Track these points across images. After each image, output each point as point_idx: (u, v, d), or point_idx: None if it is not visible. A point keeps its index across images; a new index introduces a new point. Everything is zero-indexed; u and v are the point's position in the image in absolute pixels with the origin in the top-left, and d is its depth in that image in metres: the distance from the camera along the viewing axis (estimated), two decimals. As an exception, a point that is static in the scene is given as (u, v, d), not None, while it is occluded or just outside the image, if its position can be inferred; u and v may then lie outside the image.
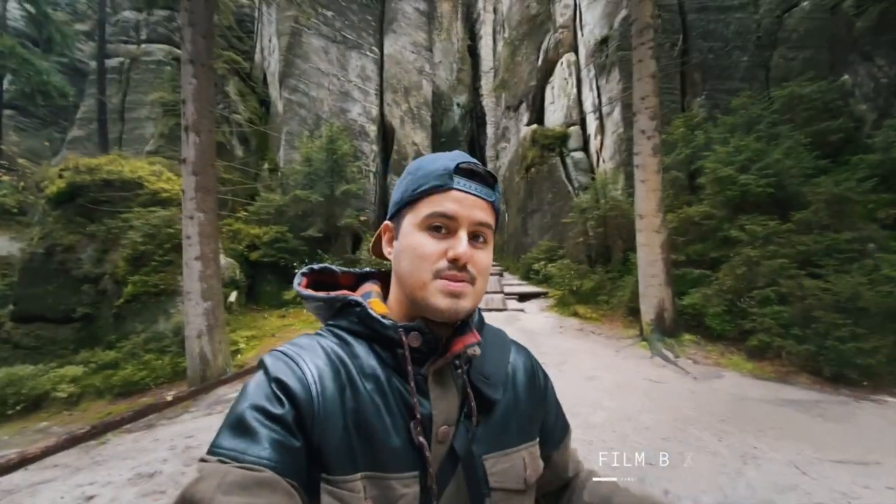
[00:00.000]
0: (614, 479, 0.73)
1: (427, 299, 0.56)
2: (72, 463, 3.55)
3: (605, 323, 7.32)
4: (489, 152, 17.47)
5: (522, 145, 12.78)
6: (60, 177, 8.37)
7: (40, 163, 15.31)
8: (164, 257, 7.69)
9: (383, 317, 0.59)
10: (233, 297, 9.08)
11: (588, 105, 10.89)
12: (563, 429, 0.75)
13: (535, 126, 12.46)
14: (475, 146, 18.99)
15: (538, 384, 0.71)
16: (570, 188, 10.73)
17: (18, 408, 6.08)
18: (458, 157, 0.60)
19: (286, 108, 12.97)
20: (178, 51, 13.00)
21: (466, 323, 0.61)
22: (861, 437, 3.23)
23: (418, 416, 0.54)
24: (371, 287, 0.68)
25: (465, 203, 0.57)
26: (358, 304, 0.61)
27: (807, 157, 7.06)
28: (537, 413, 0.70)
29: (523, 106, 13.31)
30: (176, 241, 7.63)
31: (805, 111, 7.96)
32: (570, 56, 11.72)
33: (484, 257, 0.59)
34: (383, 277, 0.70)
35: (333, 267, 0.71)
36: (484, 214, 0.59)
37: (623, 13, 9.75)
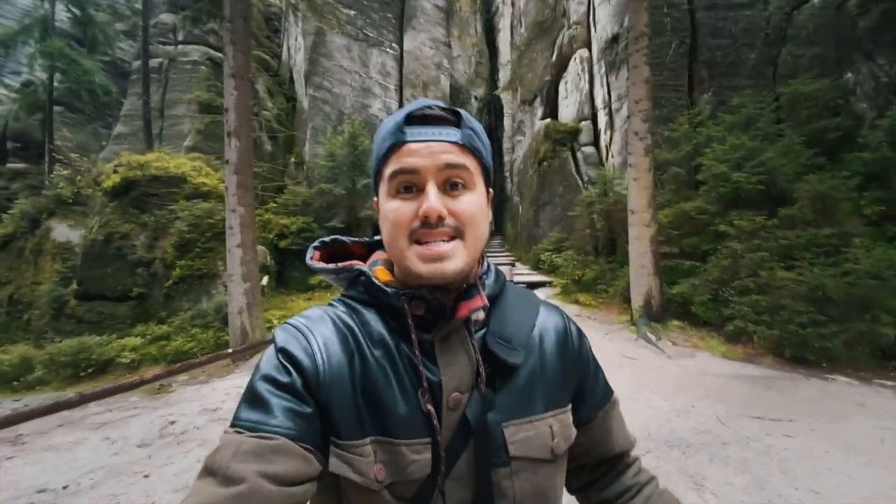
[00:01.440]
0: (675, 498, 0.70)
1: (409, 268, 0.55)
2: (148, 404, 4.58)
3: (602, 310, 8.00)
4: (506, 144, 18.04)
5: (536, 139, 13.36)
6: (115, 172, 9.56)
7: (88, 156, 16.86)
8: (206, 244, 8.79)
9: (387, 284, 0.59)
10: (265, 280, 10.14)
11: (599, 101, 11.38)
12: (605, 394, 0.71)
13: (548, 120, 13.00)
14: (493, 137, 19.57)
15: (571, 346, 0.68)
16: (580, 182, 11.30)
17: (90, 370, 7.29)
18: (411, 107, 0.56)
19: (311, 104, 13.92)
20: (213, 52, 14.18)
21: (474, 286, 0.59)
22: (790, 404, 3.89)
23: (425, 384, 0.54)
24: (379, 255, 0.67)
25: (423, 152, 0.54)
26: (363, 273, 0.61)
27: (802, 155, 7.49)
28: (570, 377, 0.66)
29: (538, 100, 13.84)
30: (216, 230, 8.73)
31: (806, 109, 8.32)
32: (584, 52, 12.17)
33: (466, 205, 0.55)
34: None
35: (344, 238, 0.71)
36: (451, 157, 0.54)
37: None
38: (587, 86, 11.89)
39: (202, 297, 8.58)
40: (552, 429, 0.60)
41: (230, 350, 5.75)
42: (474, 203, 0.56)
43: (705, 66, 9.86)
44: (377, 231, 0.64)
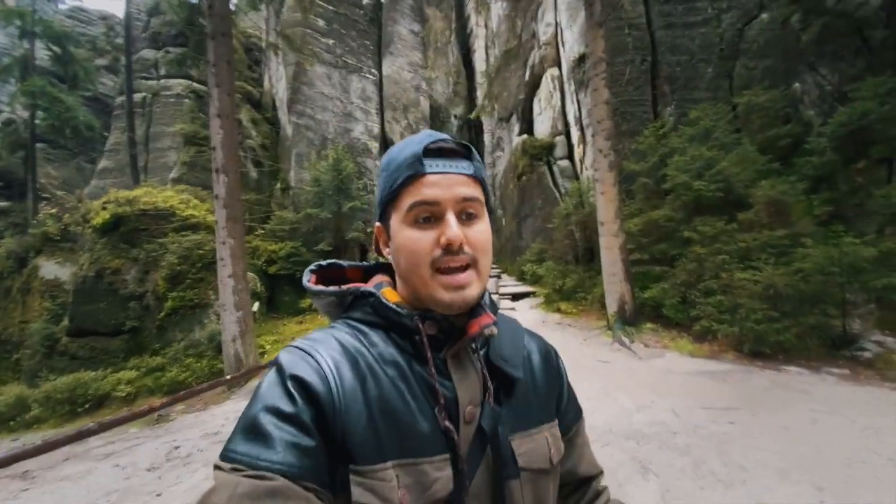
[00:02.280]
0: None
1: (432, 296, 0.57)
2: (150, 434, 4.88)
3: (581, 317, 8.45)
4: (487, 159, 18.66)
5: (514, 154, 13.96)
6: (104, 209, 9.87)
7: (73, 191, 17.08)
8: (196, 275, 9.11)
9: (398, 305, 0.60)
10: (255, 307, 10.43)
11: (571, 117, 12.02)
12: (576, 411, 0.76)
13: (525, 136, 13.63)
14: (474, 154, 20.26)
15: (552, 364, 0.73)
16: (558, 194, 11.87)
17: (87, 406, 7.51)
18: (425, 138, 0.59)
19: (294, 131, 14.40)
20: (196, 85, 14.62)
21: (479, 304, 0.61)
22: (741, 394, 4.34)
23: (442, 401, 0.56)
24: (382, 278, 0.69)
25: (443, 184, 0.57)
26: (371, 294, 0.62)
27: (758, 162, 8.10)
28: (553, 393, 0.71)
29: (514, 117, 14.50)
30: (206, 260, 9.06)
31: (759, 118, 9.00)
32: (554, 71, 12.86)
33: (479, 233, 0.59)
34: (391, 269, 0.68)
35: (341, 262, 0.73)
36: (467, 189, 0.58)
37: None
38: (559, 102, 12.56)
39: (195, 327, 8.86)
40: (548, 440, 0.64)
41: (228, 377, 6.06)
42: (485, 232, 0.60)
43: (667, 81, 10.55)
44: (364, 252, 0.81)
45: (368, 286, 0.65)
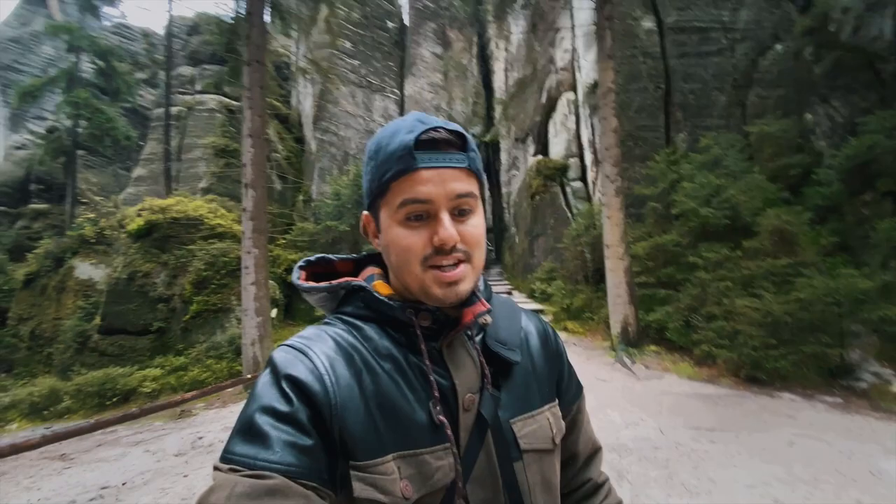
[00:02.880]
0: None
1: (424, 291, 0.57)
2: (174, 426, 5.34)
3: (588, 336, 8.68)
4: (503, 177, 19.10)
5: (529, 174, 14.35)
6: (139, 216, 10.62)
7: (109, 197, 18.16)
8: (220, 281, 9.70)
9: (389, 298, 0.60)
10: (273, 313, 10.97)
11: (585, 140, 12.38)
12: (577, 389, 0.77)
13: (539, 157, 14.02)
14: (490, 170, 20.68)
15: (551, 344, 0.74)
16: (570, 214, 12.17)
17: (115, 399, 8.07)
18: (416, 126, 0.56)
19: (318, 146, 15.14)
20: (228, 100, 15.54)
21: (473, 293, 0.61)
22: (729, 417, 4.56)
23: (436, 394, 0.56)
24: (373, 270, 0.68)
25: (436, 180, 0.55)
26: (362, 288, 0.62)
27: (768, 191, 8.30)
28: (553, 373, 0.72)
29: (530, 138, 14.92)
30: (230, 267, 9.65)
31: (771, 147, 9.21)
32: (570, 95, 13.28)
33: (473, 229, 0.58)
34: (382, 260, 0.67)
35: (330, 256, 0.73)
36: (461, 184, 0.57)
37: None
38: (574, 126, 12.94)
39: (217, 331, 9.42)
40: (549, 420, 0.65)
41: (249, 376, 6.53)
42: (479, 226, 0.59)
43: (680, 108, 10.84)
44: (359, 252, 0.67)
45: (359, 280, 0.65)
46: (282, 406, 0.50)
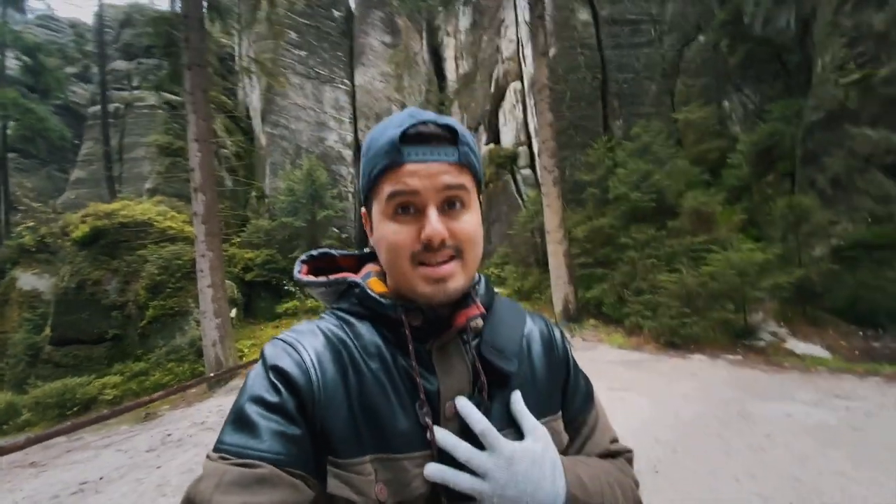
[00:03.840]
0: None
1: (413, 288, 0.56)
2: (142, 427, 5.65)
3: (536, 316, 9.46)
4: (482, 200, 19.64)
5: (482, 163, 14.92)
6: (83, 222, 10.45)
7: (46, 201, 17.39)
8: (176, 284, 9.80)
9: (382, 296, 0.60)
10: (233, 313, 11.14)
11: (532, 129, 13.05)
12: (587, 394, 0.73)
13: (491, 145, 14.62)
14: (448, 159, 21.20)
15: (556, 352, 0.71)
16: (521, 201, 12.88)
17: (75, 409, 8.15)
18: (404, 120, 0.56)
19: (269, 140, 15.09)
20: (169, 96, 15.14)
21: (468, 295, 0.61)
22: (643, 377, 5.36)
23: (422, 396, 0.55)
24: (371, 267, 0.68)
25: (423, 174, 0.55)
26: (357, 284, 0.62)
27: (691, 174, 9.23)
28: (557, 384, 0.68)
29: (481, 127, 15.47)
30: (185, 269, 9.76)
31: (693, 133, 10.17)
32: (517, 84, 13.88)
33: (465, 224, 0.57)
34: None
35: (332, 251, 0.73)
36: (451, 177, 0.56)
37: (553, 51, 11.90)
38: (521, 114, 13.57)
39: (176, 334, 9.55)
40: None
41: (212, 374, 6.86)
42: (472, 222, 0.58)
43: (615, 97, 11.67)
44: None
45: (356, 277, 0.65)
46: (270, 396, 0.51)
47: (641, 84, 11.51)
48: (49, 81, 19.12)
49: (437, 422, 0.55)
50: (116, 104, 15.77)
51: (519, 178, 13.28)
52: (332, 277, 0.66)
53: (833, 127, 7.12)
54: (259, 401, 0.51)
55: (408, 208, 0.56)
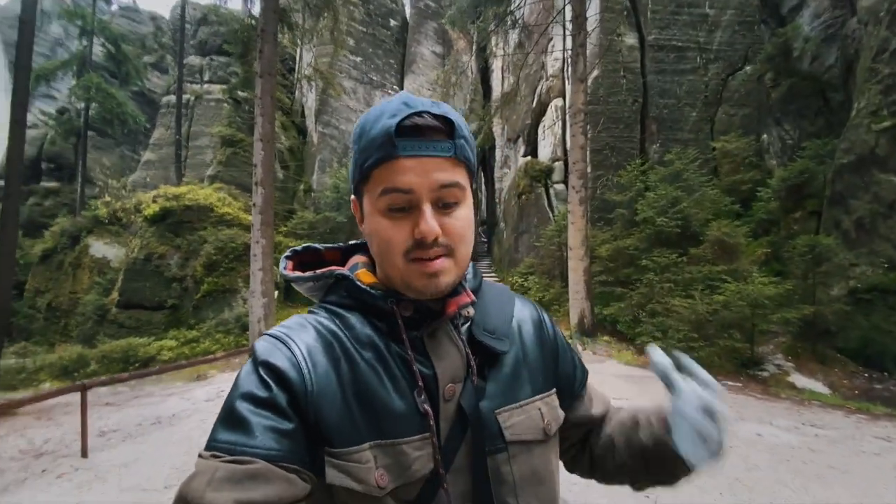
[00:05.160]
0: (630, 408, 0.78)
1: (405, 282, 0.57)
2: (196, 385, 6.69)
3: (554, 327, 10.01)
4: (497, 173, 20.28)
5: (518, 174, 15.55)
6: (155, 202, 11.87)
7: (118, 178, 19.33)
8: (229, 265, 11.00)
9: (372, 287, 0.61)
10: (275, 295, 12.29)
11: (569, 145, 13.55)
12: (582, 373, 0.78)
13: (528, 158, 15.21)
14: (486, 167, 21.85)
15: (546, 333, 0.74)
16: (551, 215, 13.41)
17: (136, 364, 9.42)
18: (399, 110, 0.54)
19: (320, 139, 16.30)
20: (231, 84, 16.57)
21: (459, 284, 0.62)
22: (642, 392, 5.88)
23: (420, 383, 0.56)
24: (358, 259, 0.69)
25: (418, 170, 0.54)
26: (345, 277, 0.63)
27: (720, 203, 9.53)
28: (549, 362, 0.71)
29: (520, 140, 16.08)
30: (237, 252, 10.94)
31: (729, 163, 10.43)
32: (559, 101, 14.40)
33: (457, 222, 0.57)
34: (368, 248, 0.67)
35: (317, 245, 0.74)
36: (446, 174, 0.56)
37: (595, 73, 12.39)
38: (560, 131, 14.09)
39: (224, 309, 10.75)
40: (541, 411, 0.65)
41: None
42: (465, 219, 0.58)
43: (654, 121, 12.00)
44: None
45: (343, 269, 0.65)
46: (260, 392, 0.51)
47: (682, 110, 11.80)
48: (129, 69, 21.16)
49: (435, 405, 0.57)
50: (187, 95, 17.46)
51: (552, 192, 13.80)
52: (319, 272, 0.66)
53: (862, 171, 7.34)
54: (250, 397, 0.51)
55: (402, 207, 0.56)
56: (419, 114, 0.54)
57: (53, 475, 3.37)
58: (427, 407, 0.56)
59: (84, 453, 3.63)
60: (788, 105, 10.12)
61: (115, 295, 11.85)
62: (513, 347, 0.67)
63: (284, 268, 0.69)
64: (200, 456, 0.49)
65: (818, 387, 6.34)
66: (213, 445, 0.49)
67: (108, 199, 14.26)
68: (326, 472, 0.51)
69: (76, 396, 5.83)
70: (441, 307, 0.61)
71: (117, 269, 12.86)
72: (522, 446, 0.62)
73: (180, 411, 4.90)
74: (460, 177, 0.57)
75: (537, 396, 0.66)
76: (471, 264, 0.67)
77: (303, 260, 0.72)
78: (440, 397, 0.58)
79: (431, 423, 0.55)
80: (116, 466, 3.41)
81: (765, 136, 10.51)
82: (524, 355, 0.68)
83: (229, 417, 0.50)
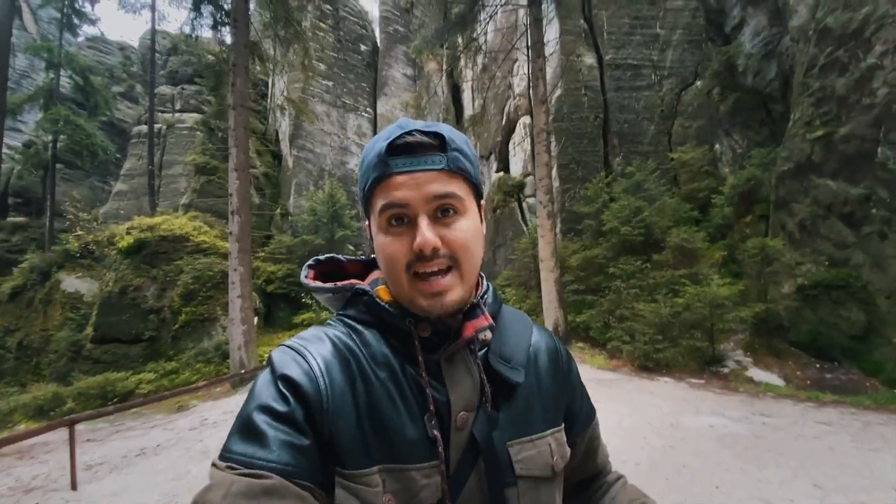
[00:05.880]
0: (638, 489, 0.75)
1: (411, 301, 0.57)
2: (179, 415, 6.79)
3: (531, 337, 10.38)
4: (483, 206, 20.82)
5: (492, 189, 16.08)
6: (129, 233, 11.90)
7: (87, 210, 19.10)
8: (206, 293, 11.08)
9: (390, 305, 0.60)
10: (255, 321, 12.37)
11: (536, 163, 14.15)
12: (589, 413, 0.76)
13: (501, 174, 15.77)
14: (462, 183, 22.36)
15: (562, 366, 0.72)
16: (525, 228, 13.91)
17: (115, 400, 9.36)
18: (392, 132, 0.57)
19: (295, 163, 16.57)
20: (205, 115, 16.77)
21: (477, 305, 0.62)
22: (611, 394, 6.25)
23: (432, 408, 0.56)
24: (378, 274, 0.68)
25: (411, 184, 0.56)
26: (365, 292, 0.63)
27: (680, 211, 10.15)
28: (562, 396, 0.70)
29: (492, 156, 16.67)
30: (215, 280, 11.04)
31: (686, 173, 11.12)
32: (527, 118, 15.04)
33: (458, 232, 0.57)
34: None
35: (340, 257, 0.74)
36: (440, 185, 0.56)
37: (558, 92, 13.07)
38: (529, 147, 14.70)
39: (204, 338, 10.79)
40: (551, 446, 0.63)
41: (243, 371, 8.01)
42: (467, 229, 0.58)
43: (616, 136, 12.71)
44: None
45: (364, 284, 0.65)
46: (279, 406, 0.51)
47: (641, 124, 12.54)
48: (97, 100, 21.06)
49: (445, 433, 0.56)
50: (159, 125, 17.56)
51: (525, 205, 14.34)
52: (339, 284, 0.66)
53: (801, 177, 8.01)
54: (267, 410, 0.51)
55: (401, 219, 0.57)
56: (410, 133, 0.56)
57: (44, 508, 3.52)
58: (437, 433, 0.55)
59: (73, 486, 3.77)
60: (735, 117, 10.91)
61: (89, 330, 11.74)
62: (528, 378, 0.65)
63: (306, 276, 0.69)
64: (215, 465, 0.49)
65: (773, 379, 6.84)
66: (228, 456, 0.49)
67: (79, 232, 14.13)
68: (336, 493, 0.51)
69: (54, 436, 5.93)
70: (458, 329, 0.60)
71: (91, 304, 12.74)
72: (531, 482, 0.60)
73: (164, 441, 5.05)
74: (457, 188, 0.58)
75: (548, 431, 0.65)
76: (491, 287, 0.70)
77: (324, 270, 0.72)
78: (452, 425, 0.57)
79: (440, 450, 0.55)
80: (106, 496, 3.57)
81: (717, 146, 11.26)
82: (538, 387, 0.67)
83: (246, 428, 0.50)
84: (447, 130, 0.58)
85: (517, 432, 0.61)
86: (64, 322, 13.12)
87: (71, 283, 14.44)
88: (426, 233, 0.54)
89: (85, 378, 10.01)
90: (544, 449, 0.62)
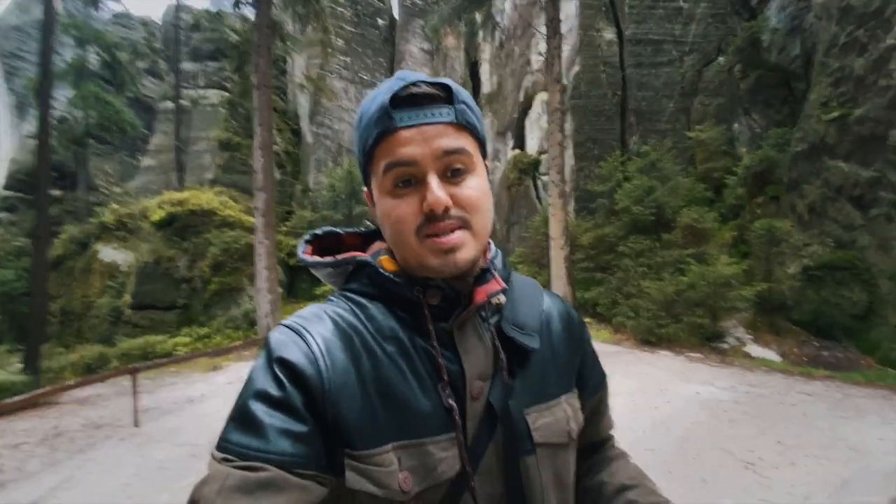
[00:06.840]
0: (639, 468, 0.74)
1: (421, 262, 0.55)
2: (214, 373, 7.59)
3: (541, 312, 10.89)
4: (489, 165, 21.05)
5: (507, 166, 16.35)
6: (160, 208, 12.71)
7: (118, 183, 20.11)
8: (234, 265, 11.88)
9: (395, 275, 0.58)
10: (279, 292, 13.17)
11: (549, 141, 14.32)
12: (600, 377, 0.76)
13: (516, 151, 16.00)
14: (479, 159, 22.62)
15: (574, 330, 0.72)
16: (539, 206, 14.23)
17: (155, 359, 10.31)
18: (394, 84, 0.54)
19: (314, 139, 17.08)
20: (230, 95, 17.36)
21: (487, 270, 0.60)
22: (608, 364, 6.71)
23: (445, 378, 0.54)
24: (380, 245, 0.65)
25: (419, 139, 0.53)
26: (368, 264, 0.60)
27: (693, 191, 10.34)
28: (574, 361, 0.70)
29: (509, 133, 16.85)
30: (241, 252, 11.80)
31: (702, 152, 11.21)
32: (543, 95, 15.10)
33: (469, 191, 0.55)
34: None
35: (338, 230, 0.71)
36: (450, 140, 0.54)
37: (576, 68, 13.14)
38: (546, 124, 14.84)
39: (232, 306, 11.64)
40: (566, 412, 0.63)
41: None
42: (478, 188, 0.56)
43: (634, 114, 12.77)
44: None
45: (366, 255, 0.62)
46: (274, 391, 0.49)
47: (660, 102, 12.56)
48: (124, 76, 21.85)
49: (461, 403, 0.55)
50: (183, 101, 18.21)
51: (539, 183, 14.61)
52: (339, 257, 0.63)
53: (814, 158, 8.14)
54: (263, 396, 0.49)
55: (408, 181, 0.54)
56: (414, 83, 0.54)
57: (116, 439, 4.25)
58: (452, 402, 0.54)
59: (136, 424, 4.51)
60: (756, 95, 10.87)
61: (127, 297, 12.73)
62: (542, 343, 0.64)
63: (303, 252, 0.66)
64: (213, 456, 0.48)
65: (770, 355, 7.22)
66: (224, 447, 0.47)
67: (114, 205, 15.06)
68: (346, 476, 0.49)
69: (106, 388, 6.80)
70: (469, 295, 0.59)
71: (127, 273, 13.73)
72: (549, 449, 0.60)
73: (207, 392, 5.80)
74: (466, 143, 0.56)
75: (563, 396, 0.64)
76: (499, 251, 0.68)
77: (322, 244, 0.69)
78: (467, 395, 0.56)
79: (457, 418, 0.53)
80: (166, 432, 4.29)
81: (736, 125, 11.27)
82: (552, 352, 0.66)
83: (242, 417, 0.49)
84: (453, 83, 0.56)
85: (533, 399, 0.60)
86: (104, 289, 14.18)
87: (108, 253, 15.45)
88: (437, 192, 0.53)
89: (127, 340, 10.99)
90: (560, 415, 0.62)
